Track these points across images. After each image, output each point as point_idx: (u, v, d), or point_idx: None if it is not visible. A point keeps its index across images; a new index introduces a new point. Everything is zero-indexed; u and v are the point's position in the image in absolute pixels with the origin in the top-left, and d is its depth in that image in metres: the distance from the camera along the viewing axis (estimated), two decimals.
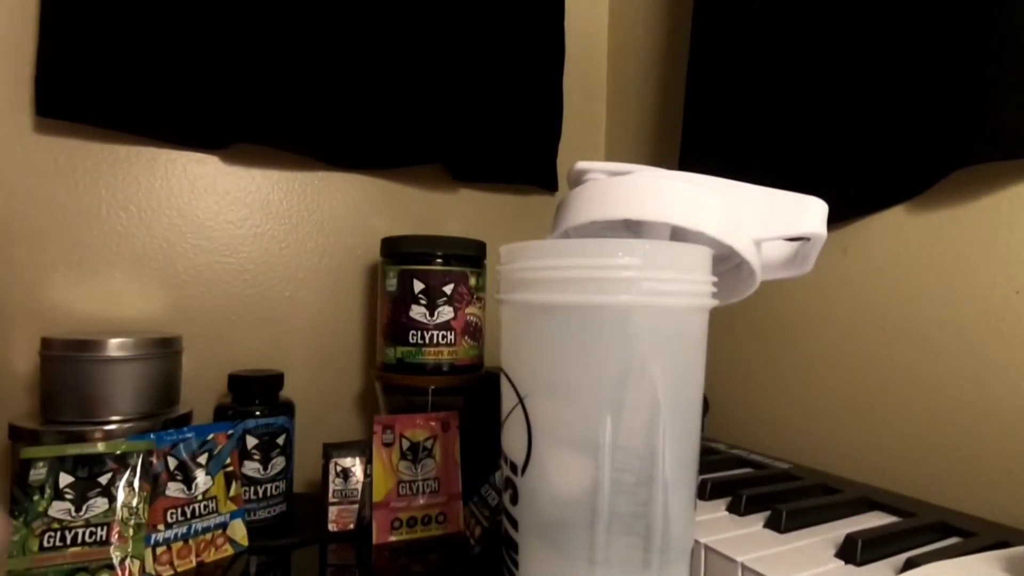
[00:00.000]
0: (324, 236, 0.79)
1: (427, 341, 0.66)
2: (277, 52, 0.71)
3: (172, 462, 0.51)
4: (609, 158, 1.00)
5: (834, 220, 0.41)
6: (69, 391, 0.55)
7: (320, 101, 0.73)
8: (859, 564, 0.38)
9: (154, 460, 0.50)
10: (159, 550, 0.49)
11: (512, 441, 0.36)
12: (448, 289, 0.66)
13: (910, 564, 0.37)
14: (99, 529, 0.46)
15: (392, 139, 0.78)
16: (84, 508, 0.46)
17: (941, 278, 0.55)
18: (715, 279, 0.35)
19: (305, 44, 0.72)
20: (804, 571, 0.37)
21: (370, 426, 0.59)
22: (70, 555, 0.45)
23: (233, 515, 0.54)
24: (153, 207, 0.70)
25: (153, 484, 0.50)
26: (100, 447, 0.48)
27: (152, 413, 0.57)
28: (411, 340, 0.66)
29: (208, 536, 0.52)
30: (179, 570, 0.50)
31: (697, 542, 0.41)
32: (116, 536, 0.46)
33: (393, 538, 0.56)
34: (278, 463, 0.60)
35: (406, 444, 0.58)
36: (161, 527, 0.50)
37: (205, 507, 0.52)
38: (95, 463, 0.48)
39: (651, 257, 0.32)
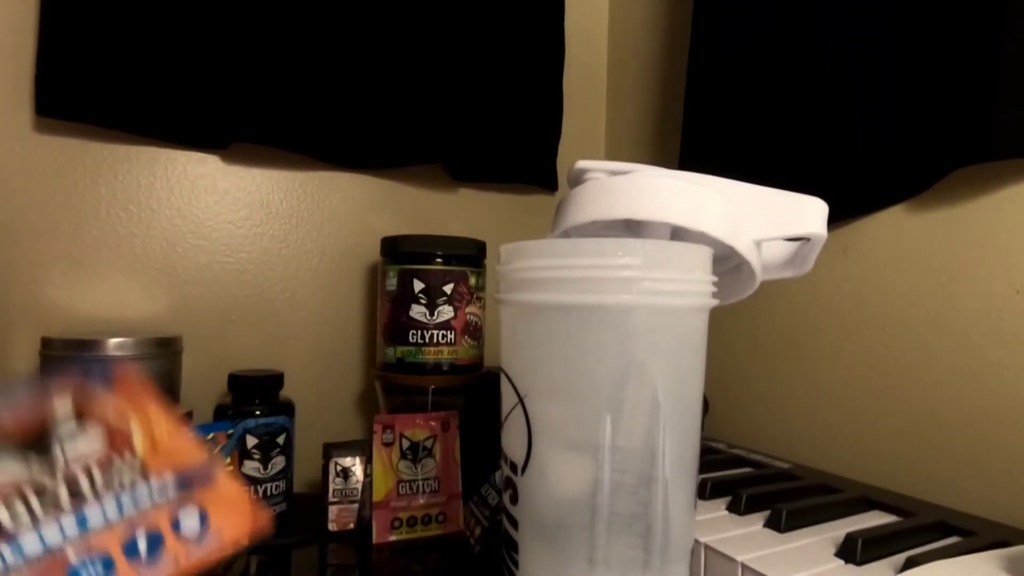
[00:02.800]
0: (324, 236, 0.79)
1: (427, 341, 0.66)
2: (277, 52, 0.71)
3: None
4: (609, 158, 1.00)
5: (834, 220, 0.41)
6: None
7: (320, 101, 0.73)
8: (859, 563, 0.38)
9: None
10: None
11: (512, 441, 0.36)
12: (448, 289, 0.66)
13: (910, 563, 0.37)
14: None
15: (392, 139, 0.78)
16: None
17: (941, 278, 0.55)
18: (715, 279, 0.35)
19: (305, 44, 0.72)
20: (804, 571, 0.37)
21: (370, 426, 0.59)
22: None
23: None
24: (153, 207, 0.70)
25: None
26: None
27: None
28: (411, 340, 0.66)
29: None
30: None
31: (697, 542, 0.41)
32: None
33: (393, 538, 0.56)
34: (278, 463, 0.60)
35: (406, 444, 0.58)
36: None
37: None
38: None
39: (651, 257, 0.32)
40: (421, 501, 0.57)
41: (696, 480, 0.36)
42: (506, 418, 0.37)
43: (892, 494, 0.51)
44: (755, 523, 0.44)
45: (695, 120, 0.75)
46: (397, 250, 0.68)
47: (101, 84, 0.63)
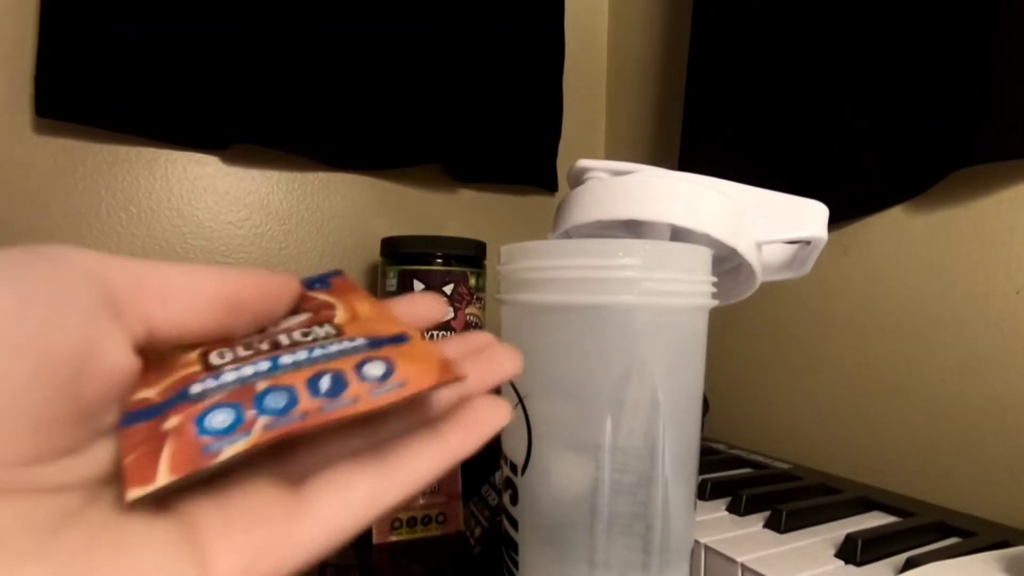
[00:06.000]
0: (324, 236, 0.79)
1: None
2: (276, 53, 0.71)
3: None
4: (609, 158, 1.00)
5: (834, 220, 0.41)
6: None
7: (320, 102, 0.73)
8: (859, 564, 0.38)
9: None
10: None
11: (512, 441, 0.36)
12: (448, 289, 0.66)
13: (910, 564, 0.37)
14: None
15: (392, 139, 0.78)
16: None
17: (941, 278, 0.55)
18: (715, 279, 0.35)
19: (304, 45, 0.72)
20: (804, 571, 0.37)
21: None
22: None
23: None
24: (153, 207, 0.70)
25: None
26: None
27: None
28: None
29: None
30: None
31: (697, 542, 0.41)
32: None
33: (393, 538, 0.56)
34: None
35: None
36: None
37: None
38: None
39: (651, 257, 0.32)
40: (421, 501, 0.57)
41: (696, 480, 0.36)
42: None
43: (892, 494, 0.51)
44: (755, 524, 0.44)
45: (695, 120, 0.75)
46: (397, 251, 0.68)
47: (101, 85, 0.63)
